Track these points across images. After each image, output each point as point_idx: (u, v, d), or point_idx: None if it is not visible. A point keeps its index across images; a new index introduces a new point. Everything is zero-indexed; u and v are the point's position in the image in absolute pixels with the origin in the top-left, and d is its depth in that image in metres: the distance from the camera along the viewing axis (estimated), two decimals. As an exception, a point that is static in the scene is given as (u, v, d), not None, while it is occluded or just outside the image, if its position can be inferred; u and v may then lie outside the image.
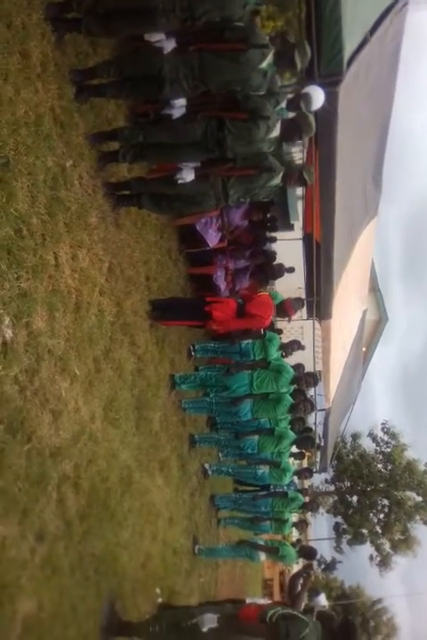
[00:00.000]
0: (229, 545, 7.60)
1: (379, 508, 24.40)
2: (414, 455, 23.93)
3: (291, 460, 7.81)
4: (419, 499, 23.25)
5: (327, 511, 26.97)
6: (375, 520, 24.63)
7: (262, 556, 7.31)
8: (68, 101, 3.48)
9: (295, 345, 6.58)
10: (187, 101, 3.72)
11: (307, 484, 15.12)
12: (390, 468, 24.00)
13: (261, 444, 6.67)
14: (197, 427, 7.02)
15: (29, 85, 3.00)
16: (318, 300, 6.94)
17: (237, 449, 7.14)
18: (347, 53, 4.58)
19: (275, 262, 8.04)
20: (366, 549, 25.77)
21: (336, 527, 26.57)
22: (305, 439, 7.13)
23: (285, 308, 5.68)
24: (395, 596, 32.39)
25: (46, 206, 3.07)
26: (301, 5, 5.23)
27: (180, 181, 3.98)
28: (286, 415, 6.42)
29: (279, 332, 7.73)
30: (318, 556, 24.87)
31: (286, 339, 7.54)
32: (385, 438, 24.79)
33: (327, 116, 4.75)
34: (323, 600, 6.53)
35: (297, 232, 10.19)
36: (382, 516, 24.36)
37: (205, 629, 3.67)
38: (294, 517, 8.17)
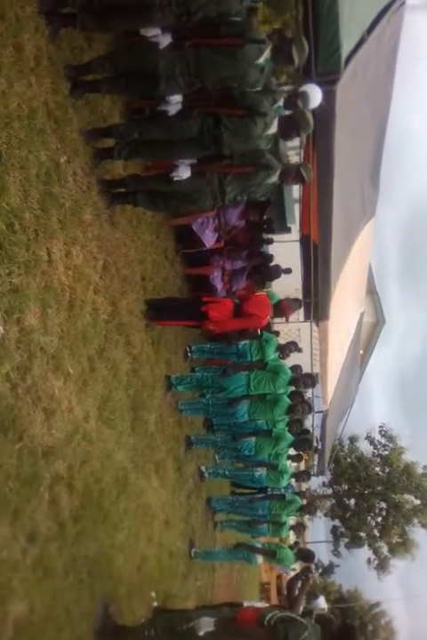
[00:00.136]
0: (226, 548, 7.55)
1: (377, 511, 24.39)
2: (412, 458, 24.00)
3: (288, 462, 7.77)
4: (417, 502, 23.26)
5: (325, 514, 26.92)
6: (373, 523, 24.63)
7: (260, 559, 7.26)
8: (62, 96, 3.43)
9: (293, 346, 6.52)
10: (183, 98, 3.68)
11: (304, 486, 15.07)
12: (387, 470, 24.01)
13: (259, 446, 6.62)
14: (194, 428, 6.97)
15: (23, 79, 2.95)
16: (315, 301, 6.91)
17: (234, 451, 7.09)
18: (344, 52, 4.57)
19: (272, 264, 8.00)
20: (364, 553, 25.76)
21: (334, 530, 26.52)
22: (303, 441, 7.08)
23: (282, 308, 5.64)
24: (393, 599, 32.31)
25: (39, 201, 3.02)
26: (298, 7, 5.22)
27: (175, 179, 3.92)
28: (284, 417, 6.37)
29: (276, 334, 7.69)
30: (316, 560, 24.82)
31: (282, 341, 7.49)
32: (383, 441, 24.83)
33: (325, 114, 4.73)
34: (322, 603, 6.49)
35: (294, 235, 10.18)
36: (379, 519, 24.36)
37: (201, 633, 3.61)
38: (291, 520, 8.12)
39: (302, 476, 8.33)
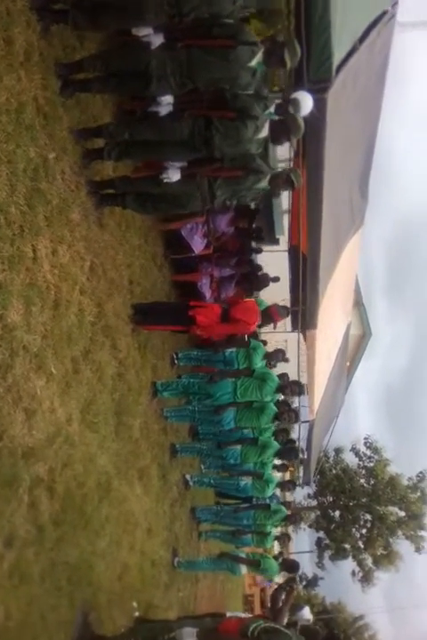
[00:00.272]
0: (210, 558, 7.45)
1: (361, 522, 24.37)
2: (397, 470, 24.07)
3: (274, 472, 7.72)
4: (401, 513, 23.30)
5: (310, 526, 26.84)
6: (358, 535, 24.60)
7: (244, 569, 7.18)
8: (52, 93, 3.39)
9: (280, 354, 6.50)
10: (174, 99, 3.66)
11: (289, 497, 15.01)
12: (372, 482, 24.04)
13: (244, 455, 6.57)
14: (179, 436, 6.89)
15: (12, 72, 2.91)
16: (303, 309, 6.90)
17: (220, 459, 7.03)
18: (336, 60, 4.58)
19: (260, 272, 8.01)
20: (348, 565, 25.69)
21: (318, 542, 26.44)
22: (288, 450, 7.06)
23: (270, 314, 5.62)
24: (377, 611, 32.16)
25: (26, 197, 2.96)
26: (289, 18, 5.25)
27: (165, 180, 3.89)
28: (270, 425, 6.34)
29: (264, 343, 7.67)
30: (300, 572, 24.68)
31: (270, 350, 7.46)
32: (368, 453, 24.87)
33: (315, 122, 4.74)
34: (307, 614, 6.40)
35: (282, 245, 10.23)
36: (364, 530, 24.35)
37: (183, 644, 3.53)
38: (275, 531, 8.06)
39: (287, 485, 8.29)
